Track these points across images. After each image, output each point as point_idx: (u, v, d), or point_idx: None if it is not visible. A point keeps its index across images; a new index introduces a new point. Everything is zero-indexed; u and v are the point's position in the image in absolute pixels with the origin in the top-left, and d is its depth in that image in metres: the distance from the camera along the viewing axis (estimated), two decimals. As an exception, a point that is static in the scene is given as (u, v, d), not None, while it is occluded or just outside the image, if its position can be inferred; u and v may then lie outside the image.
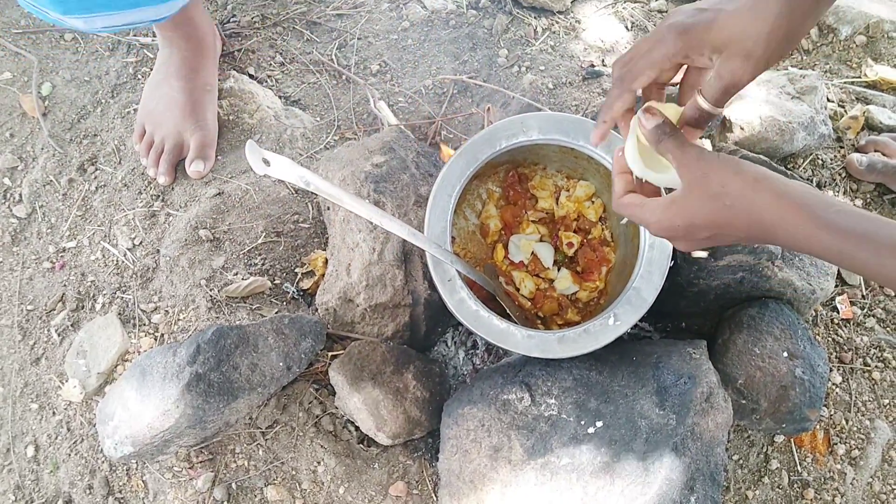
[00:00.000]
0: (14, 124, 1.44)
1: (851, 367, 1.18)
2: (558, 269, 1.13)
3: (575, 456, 0.94)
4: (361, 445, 1.13)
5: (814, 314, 1.21)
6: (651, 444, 0.92)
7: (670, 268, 1.02)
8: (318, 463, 1.09)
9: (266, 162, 0.84)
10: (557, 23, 1.53)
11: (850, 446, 1.14)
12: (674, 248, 1.00)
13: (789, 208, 0.65)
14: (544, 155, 1.13)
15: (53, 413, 1.20)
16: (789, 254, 1.09)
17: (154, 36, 1.52)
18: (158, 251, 1.28)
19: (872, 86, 1.46)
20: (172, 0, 1.13)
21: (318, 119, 1.43)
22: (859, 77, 1.47)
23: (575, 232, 1.15)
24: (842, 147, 1.38)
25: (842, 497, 1.11)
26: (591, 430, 0.95)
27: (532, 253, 1.14)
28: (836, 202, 0.65)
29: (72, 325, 1.25)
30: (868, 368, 1.18)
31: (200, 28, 1.36)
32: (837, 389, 1.17)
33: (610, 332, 0.98)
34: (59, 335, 1.25)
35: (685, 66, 0.76)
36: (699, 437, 0.94)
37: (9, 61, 1.50)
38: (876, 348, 1.20)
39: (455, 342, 1.22)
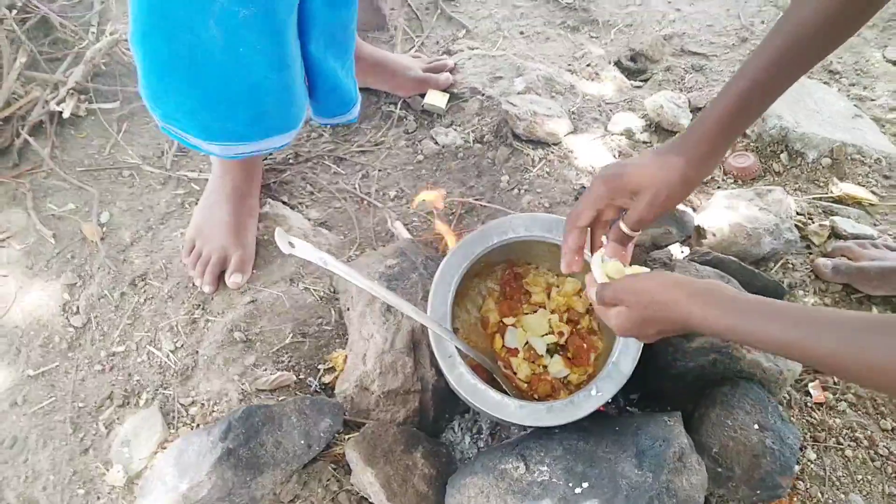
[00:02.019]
0: (75, 248, 1.64)
1: (825, 446, 1.28)
2: (551, 356, 1.27)
3: (563, 513, 1.04)
4: (374, 521, 1.23)
5: (788, 397, 1.32)
6: (631, 499, 1.03)
7: (652, 352, 1.15)
8: (335, 534, 1.20)
9: (291, 245, 1.01)
10: (552, 153, 1.73)
11: (828, 519, 1.22)
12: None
13: (696, 302, 0.87)
14: (536, 255, 1.29)
15: (98, 497, 1.32)
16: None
17: (200, 172, 1.74)
18: (197, 352, 1.44)
19: (838, 201, 1.63)
20: (294, 129, 1.41)
21: (342, 237, 1.61)
22: (826, 193, 1.64)
23: (566, 322, 1.29)
24: (811, 252, 1.53)
25: (822, 566, 1.18)
26: (578, 490, 1.06)
27: (526, 342, 1.28)
28: (733, 292, 0.87)
29: (118, 419, 1.39)
30: (841, 447, 1.28)
31: (254, 161, 1.58)
32: (812, 465, 1.26)
33: (592, 402, 1.11)
34: (106, 428, 1.39)
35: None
36: (674, 495, 1.04)
37: (73, 194, 1.73)
38: (848, 429, 1.30)
39: (462, 428, 1.34)
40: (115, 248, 1.63)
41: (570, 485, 1.07)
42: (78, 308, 1.55)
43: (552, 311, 1.30)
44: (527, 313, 1.30)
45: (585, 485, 1.06)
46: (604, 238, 1.08)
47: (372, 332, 1.28)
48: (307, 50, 1.35)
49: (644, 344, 1.13)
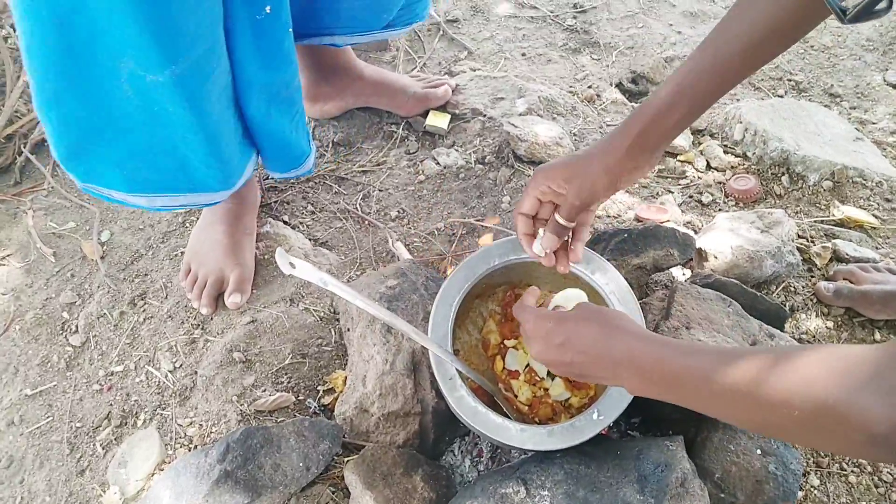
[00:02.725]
0: (75, 266, 1.64)
1: (828, 472, 1.27)
2: (552, 379, 1.26)
3: (564, 540, 1.03)
4: (373, 544, 1.22)
5: (791, 422, 1.31)
6: (632, 525, 1.02)
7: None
8: (333, 558, 1.18)
9: (292, 265, 1.01)
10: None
11: (832, 545, 1.21)
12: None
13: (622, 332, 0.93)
14: (536, 276, 1.29)
15: (93, 519, 1.31)
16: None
17: (201, 191, 1.74)
18: (196, 372, 1.43)
19: (840, 223, 1.62)
20: (227, 189, 1.38)
21: (343, 257, 1.61)
22: (828, 216, 1.64)
23: None
24: (812, 276, 1.52)
25: (826, 593, 1.17)
26: (579, 515, 1.05)
27: (527, 364, 1.27)
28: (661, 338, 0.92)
29: (115, 440, 1.38)
30: (844, 472, 1.27)
31: (248, 185, 1.58)
32: (816, 492, 1.25)
33: (594, 426, 1.10)
34: (103, 448, 1.38)
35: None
36: (677, 520, 1.03)
37: (74, 213, 1.73)
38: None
39: (461, 451, 1.33)
40: (115, 267, 1.62)
41: (572, 510, 1.06)
42: (77, 327, 1.54)
43: None
44: None
45: (587, 510, 1.05)
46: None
47: (372, 354, 1.27)
48: (248, 113, 1.33)
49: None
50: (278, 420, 1.33)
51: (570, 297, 1.13)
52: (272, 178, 1.76)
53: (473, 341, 1.31)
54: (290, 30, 1.25)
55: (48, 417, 1.43)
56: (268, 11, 1.15)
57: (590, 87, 1.97)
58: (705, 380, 0.79)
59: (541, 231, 1.17)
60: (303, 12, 1.41)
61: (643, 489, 1.06)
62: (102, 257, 1.64)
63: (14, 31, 1.83)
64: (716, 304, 1.25)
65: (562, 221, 1.12)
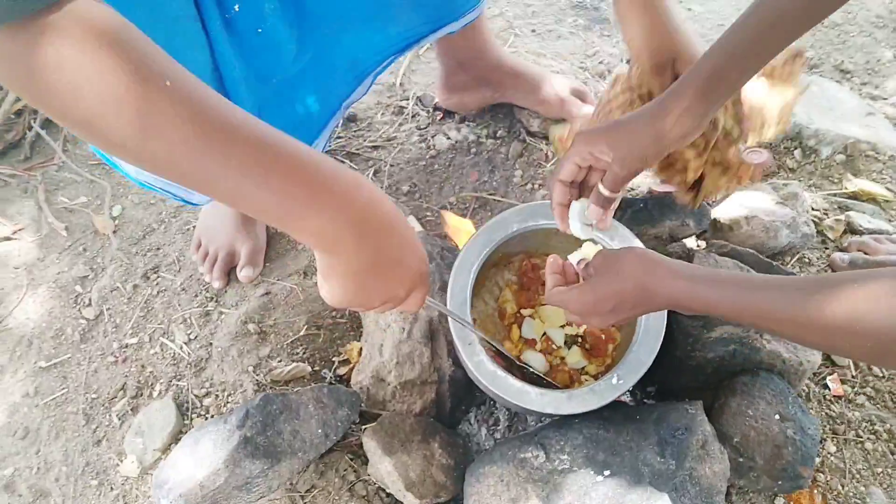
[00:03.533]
0: (87, 240, 1.63)
1: (845, 438, 1.27)
2: (569, 348, 1.26)
3: (586, 501, 1.03)
4: (391, 511, 1.23)
5: (806, 390, 1.32)
6: (654, 486, 1.02)
7: (670, 344, 1.14)
8: (352, 524, 1.19)
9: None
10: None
11: (848, 510, 1.22)
12: (668, 319, 1.14)
13: (665, 273, 0.90)
14: (553, 245, 1.28)
15: (111, 488, 1.31)
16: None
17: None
18: (211, 344, 1.43)
19: (853, 196, 1.62)
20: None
21: (356, 231, 1.60)
22: (841, 189, 1.64)
23: None
24: (826, 248, 1.52)
25: (843, 557, 1.18)
26: (599, 478, 1.05)
27: (544, 333, 1.27)
28: (699, 267, 0.91)
29: (131, 410, 1.39)
30: (860, 440, 1.27)
31: None
32: (832, 458, 1.25)
33: (613, 391, 1.10)
34: (119, 419, 1.38)
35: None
36: (697, 482, 1.04)
37: (85, 187, 1.72)
38: (867, 422, 1.29)
39: (478, 420, 1.34)
40: (127, 241, 1.62)
41: (592, 472, 1.06)
42: (90, 300, 1.54)
43: None
44: (544, 304, 1.29)
45: (607, 472, 1.05)
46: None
47: (389, 323, 1.27)
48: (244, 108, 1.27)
49: (663, 335, 1.13)
50: (294, 390, 1.33)
51: (589, 253, 1.09)
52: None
53: (490, 311, 1.31)
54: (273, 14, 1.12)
55: (63, 389, 1.43)
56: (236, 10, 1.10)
57: (601, 62, 1.96)
58: (763, 317, 0.80)
59: (574, 204, 1.11)
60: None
61: (663, 452, 1.06)
62: (114, 231, 1.64)
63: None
64: (733, 271, 1.25)
65: (606, 192, 1.06)
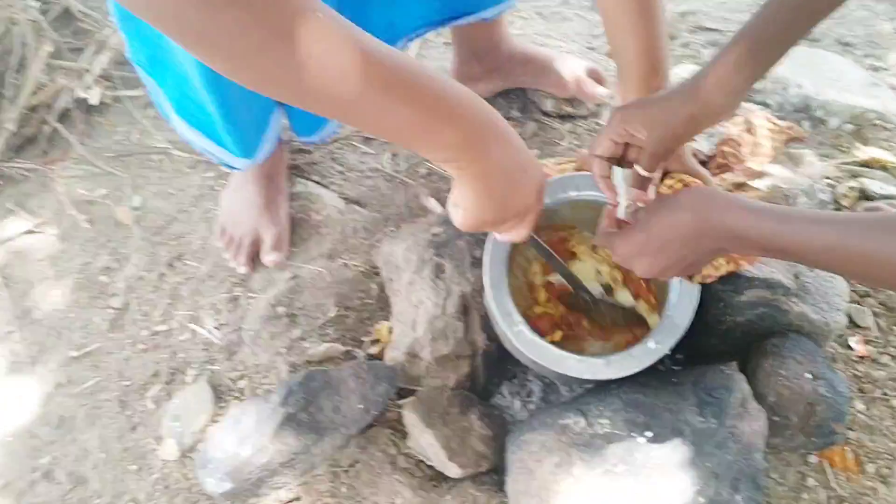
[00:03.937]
0: (109, 231, 1.64)
1: (872, 397, 1.30)
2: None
3: (630, 462, 1.06)
4: (433, 482, 1.24)
5: (832, 351, 1.35)
6: (697, 445, 1.05)
7: (700, 308, 1.17)
8: (397, 495, 1.21)
9: None
10: (580, 126, 1.75)
11: (879, 465, 1.24)
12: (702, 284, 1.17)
13: (727, 202, 0.88)
14: (581, 219, 1.30)
15: (151, 472, 1.33)
16: (801, 291, 1.24)
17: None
18: (241, 328, 1.45)
19: (864, 164, 1.65)
20: (248, 158, 1.38)
21: (377, 214, 1.62)
22: (851, 158, 1.67)
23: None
24: (842, 214, 1.55)
25: (876, 510, 1.21)
26: (641, 439, 1.08)
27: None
28: (759, 202, 0.89)
29: (166, 395, 1.40)
30: (887, 397, 1.31)
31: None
32: (861, 415, 1.28)
33: (651, 355, 1.12)
34: (154, 404, 1.39)
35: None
36: (739, 440, 1.06)
37: (104, 180, 1.73)
38: (893, 380, 1.33)
39: (511, 392, 1.36)
40: (149, 231, 1.63)
41: (633, 435, 1.09)
42: (116, 290, 1.55)
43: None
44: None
45: (649, 433, 1.08)
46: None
47: (422, 299, 1.29)
48: None
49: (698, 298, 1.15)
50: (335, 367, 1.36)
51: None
52: (299, 141, 1.77)
53: (519, 284, 1.33)
54: None
55: (96, 377, 1.44)
56: None
57: (608, 43, 1.99)
58: (831, 252, 0.79)
59: (616, 171, 1.09)
60: None
61: (703, 411, 1.09)
62: (136, 222, 1.65)
63: (35, 2, 1.83)
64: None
65: (643, 173, 1.05)
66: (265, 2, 0.57)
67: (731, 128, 1.44)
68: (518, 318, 1.15)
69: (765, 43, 0.95)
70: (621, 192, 1.09)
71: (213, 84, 1.14)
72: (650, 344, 1.13)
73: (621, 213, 1.10)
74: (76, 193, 1.70)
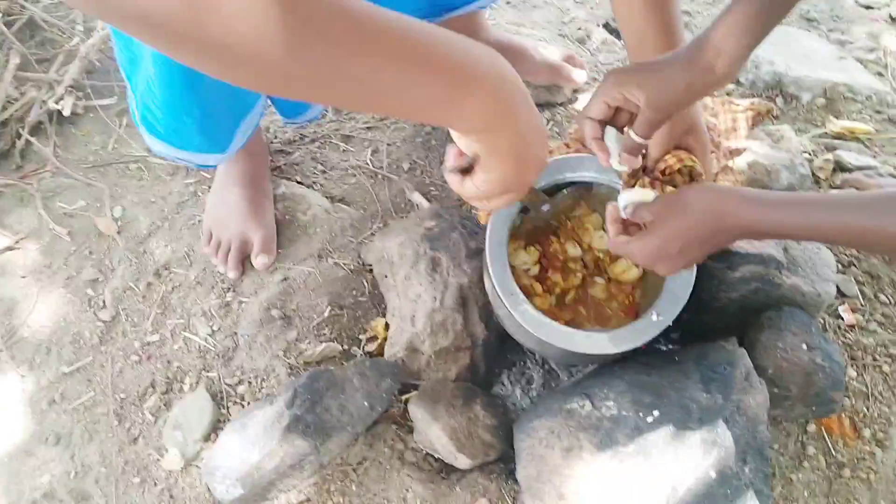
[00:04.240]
0: (92, 243, 1.62)
1: (863, 363, 1.34)
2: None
3: (639, 442, 1.07)
4: (441, 475, 1.25)
5: (823, 322, 1.38)
6: (704, 421, 1.07)
7: (695, 286, 1.19)
8: (407, 490, 1.21)
9: None
10: (559, 113, 1.77)
11: (875, 430, 1.28)
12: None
13: (739, 199, 0.92)
14: (579, 213, 1.31)
15: (155, 484, 1.32)
16: (792, 264, 1.27)
17: (208, 159, 1.74)
18: (236, 333, 1.44)
19: (838, 136, 1.69)
20: (220, 153, 1.37)
21: (363, 211, 1.62)
22: (825, 131, 1.70)
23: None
24: (820, 187, 1.59)
25: (875, 473, 1.24)
26: (649, 419, 1.09)
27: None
28: (766, 191, 0.94)
29: (164, 405, 1.39)
30: (878, 363, 1.34)
31: (259, 144, 1.58)
32: (854, 382, 1.32)
33: (655, 327, 1.12)
34: (152, 415, 1.38)
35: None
36: (744, 413, 1.09)
37: (82, 191, 1.70)
38: (882, 346, 1.36)
39: (511, 381, 1.37)
40: (133, 241, 1.61)
41: (641, 415, 1.10)
42: (104, 302, 1.53)
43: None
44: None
45: (656, 413, 1.09)
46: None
47: (419, 293, 1.30)
48: None
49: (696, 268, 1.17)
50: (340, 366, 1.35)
51: (634, 197, 1.08)
52: (279, 141, 1.76)
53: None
54: None
55: (90, 392, 1.42)
56: None
57: (579, 28, 2.01)
58: (846, 234, 0.84)
59: (608, 131, 1.06)
60: None
61: (708, 388, 1.11)
62: (119, 232, 1.62)
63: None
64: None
65: (637, 139, 1.03)
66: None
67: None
68: (522, 297, 1.15)
69: (765, 7, 0.95)
70: (613, 154, 1.07)
71: (189, 82, 1.13)
72: (653, 316, 1.14)
73: (615, 163, 1.06)
74: (55, 207, 1.67)
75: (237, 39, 0.53)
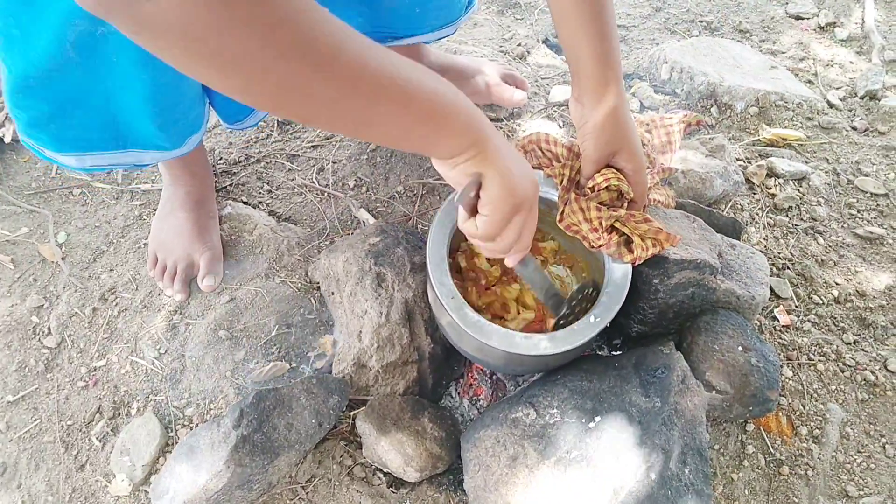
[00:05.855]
0: (35, 270, 1.60)
1: (799, 363, 1.38)
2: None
3: (581, 448, 1.10)
4: (391, 489, 1.26)
5: (758, 323, 1.42)
6: (644, 424, 1.09)
7: (633, 293, 1.21)
8: (357, 506, 1.22)
9: None
10: (502, 126, 1.80)
11: (811, 427, 1.32)
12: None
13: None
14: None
15: (103, 511, 1.31)
16: (726, 269, 1.30)
17: (153, 183, 1.73)
18: (184, 355, 1.44)
19: (770, 143, 1.74)
20: (177, 149, 1.35)
21: (309, 229, 1.63)
22: (758, 139, 1.76)
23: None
24: (755, 193, 1.64)
25: (813, 470, 1.28)
26: (591, 425, 1.12)
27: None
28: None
29: (111, 431, 1.38)
30: (812, 362, 1.38)
31: (203, 166, 1.58)
32: (790, 381, 1.36)
33: (592, 328, 1.14)
34: (100, 441, 1.37)
35: None
36: (682, 415, 1.11)
37: (25, 218, 1.69)
38: (816, 346, 1.41)
39: (458, 392, 1.39)
40: (77, 266, 1.60)
41: (584, 421, 1.12)
42: (49, 329, 1.52)
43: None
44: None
45: (598, 418, 1.12)
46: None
47: (366, 309, 1.31)
48: None
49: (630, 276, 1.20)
50: (286, 384, 1.36)
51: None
52: (224, 162, 1.76)
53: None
54: None
55: (35, 420, 1.41)
56: None
57: (519, 45, 2.04)
58: None
59: None
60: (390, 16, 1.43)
61: (647, 391, 1.13)
62: (63, 258, 1.61)
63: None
64: (682, 221, 1.34)
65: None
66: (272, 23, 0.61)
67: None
68: (461, 300, 1.16)
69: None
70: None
71: (157, 78, 1.13)
72: (591, 318, 1.16)
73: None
74: (-3, 234, 1.66)
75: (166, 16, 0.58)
